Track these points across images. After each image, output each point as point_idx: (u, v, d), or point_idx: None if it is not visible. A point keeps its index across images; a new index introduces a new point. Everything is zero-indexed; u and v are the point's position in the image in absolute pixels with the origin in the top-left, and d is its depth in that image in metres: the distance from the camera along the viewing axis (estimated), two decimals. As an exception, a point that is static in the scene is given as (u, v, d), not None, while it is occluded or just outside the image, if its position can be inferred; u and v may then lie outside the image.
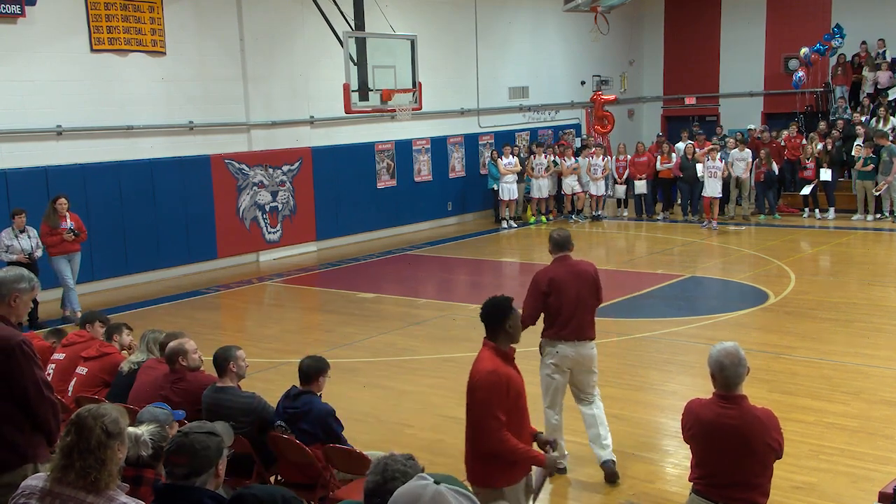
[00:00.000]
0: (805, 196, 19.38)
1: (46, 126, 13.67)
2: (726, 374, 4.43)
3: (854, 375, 8.84)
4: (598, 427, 6.72)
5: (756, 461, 4.39)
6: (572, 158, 20.49)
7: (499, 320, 4.79)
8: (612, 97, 23.33)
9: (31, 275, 4.87)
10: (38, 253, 11.99)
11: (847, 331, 10.53)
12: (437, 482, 2.48)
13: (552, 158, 20.44)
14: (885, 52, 22.31)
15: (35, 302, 11.79)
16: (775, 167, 19.42)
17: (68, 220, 12.35)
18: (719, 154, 18.79)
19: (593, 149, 20.70)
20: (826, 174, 18.93)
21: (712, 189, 18.41)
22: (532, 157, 20.31)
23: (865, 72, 22.39)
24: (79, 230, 12.41)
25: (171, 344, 6.17)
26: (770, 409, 4.55)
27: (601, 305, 6.95)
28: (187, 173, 15.40)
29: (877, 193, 18.34)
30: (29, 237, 11.91)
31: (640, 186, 20.20)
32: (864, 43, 22.64)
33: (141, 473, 4.08)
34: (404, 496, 2.47)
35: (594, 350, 6.80)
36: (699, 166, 18.90)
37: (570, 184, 20.34)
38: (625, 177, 20.52)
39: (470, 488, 2.57)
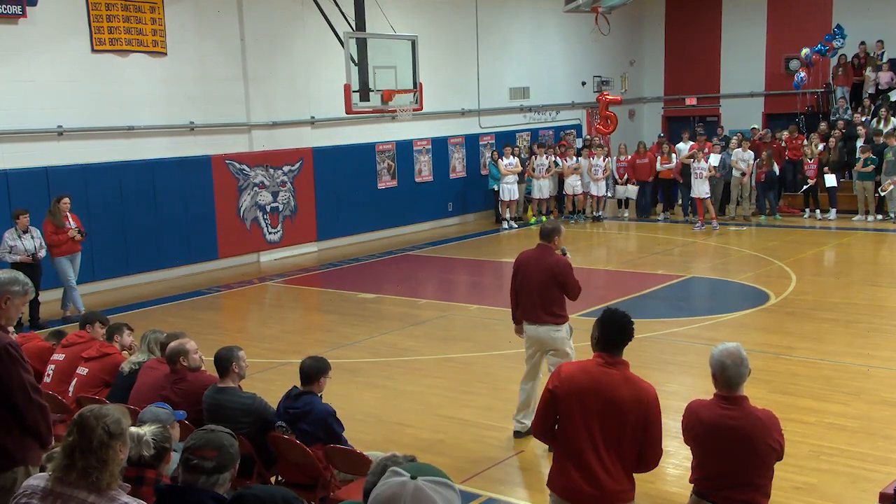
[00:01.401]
0: (805, 196, 19.38)
1: (47, 126, 13.68)
2: (728, 374, 4.43)
3: (854, 376, 8.84)
4: (523, 400, 7.50)
5: (757, 462, 4.39)
6: (574, 158, 20.47)
7: (629, 336, 4.49)
8: (617, 98, 23.30)
9: (27, 279, 4.85)
10: (42, 253, 11.99)
11: (847, 331, 10.52)
12: (413, 476, 2.44)
13: (553, 159, 20.45)
14: (883, 53, 22.30)
15: (36, 302, 11.81)
16: (776, 168, 19.42)
17: (70, 220, 12.37)
18: (717, 156, 18.82)
19: (594, 149, 20.69)
20: (831, 180, 18.91)
21: (698, 190, 18.41)
22: (533, 157, 20.32)
23: (868, 72, 22.37)
24: (82, 230, 12.43)
25: (172, 344, 6.17)
26: (770, 409, 4.55)
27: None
28: (188, 174, 15.41)
29: (883, 194, 18.32)
30: (32, 237, 11.90)
31: (632, 191, 20.23)
32: (862, 43, 22.63)
33: (143, 474, 4.07)
34: (383, 497, 2.43)
35: (554, 333, 7.31)
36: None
37: (572, 184, 20.33)
38: (625, 177, 20.53)
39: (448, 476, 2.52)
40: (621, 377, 4.40)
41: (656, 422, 4.38)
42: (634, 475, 4.52)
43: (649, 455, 4.41)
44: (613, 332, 4.47)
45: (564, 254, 7.49)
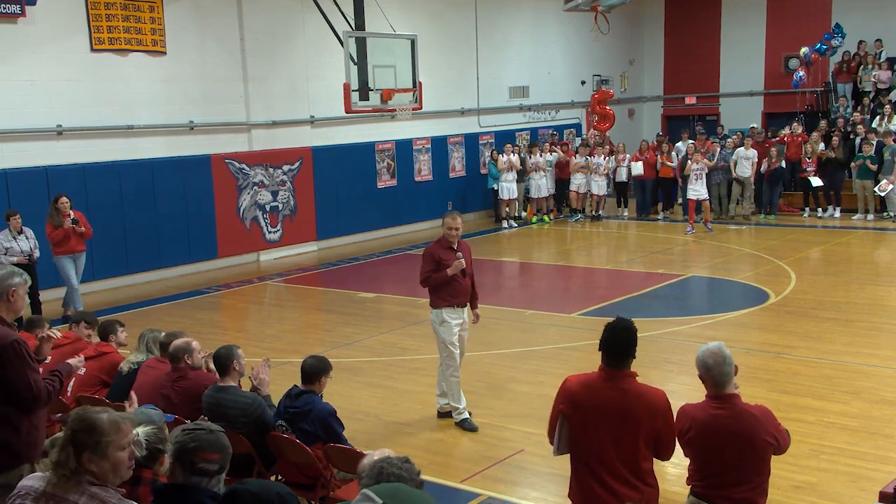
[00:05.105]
0: (806, 195, 19.35)
1: (46, 126, 13.67)
2: (713, 373, 4.45)
3: (854, 375, 8.83)
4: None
5: (754, 459, 4.38)
6: (584, 157, 20.28)
7: (631, 351, 4.46)
8: (609, 92, 23.27)
9: (20, 269, 4.96)
10: (37, 253, 11.97)
11: (847, 330, 10.51)
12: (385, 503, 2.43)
13: (548, 157, 20.37)
14: (882, 52, 22.28)
15: (37, 302, 11.80)
16: (783, 164, 19.33)
17: (72, 218, 12.31)
18: (719, 153, 18.80)
19: (595, 147, 20.66)
20: (816, 181, 18.85)
21: (695, 191, 18.04)
22: (529, 156, 20.27)
23: (862, 71, 22.34)
24: (82, 224, 12.30)
25: (178, 342, 6.16)
26: (765, 405, 4.54)
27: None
28: (188, 173, 15.40)
29: (882, 194, 18.28)
30: (27, 238, 11.87)
31: (636, 167, 20.03)
32: (862, 42, 22.62)
33: (139, 473, 4.07)
34: None
35: (430, 315, 8.14)
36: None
37: (578, 181, 20.26)
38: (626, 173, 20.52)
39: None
40: (628, 392, 4.39)
41: (670, 427, 4.44)
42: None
43: (663, 452, 4.50)
44: (614, 345, 4.44)
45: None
